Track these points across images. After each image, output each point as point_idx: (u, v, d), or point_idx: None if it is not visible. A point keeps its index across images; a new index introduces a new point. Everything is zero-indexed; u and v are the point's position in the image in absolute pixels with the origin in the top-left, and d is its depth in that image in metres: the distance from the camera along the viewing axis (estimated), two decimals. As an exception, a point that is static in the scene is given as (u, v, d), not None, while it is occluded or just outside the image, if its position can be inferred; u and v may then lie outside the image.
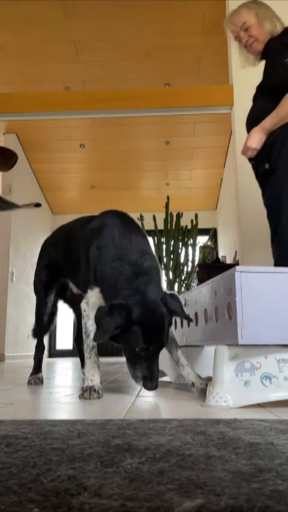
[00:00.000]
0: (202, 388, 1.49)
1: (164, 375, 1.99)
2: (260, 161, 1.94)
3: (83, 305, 1.61)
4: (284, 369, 1.21)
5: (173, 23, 4.52)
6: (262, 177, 1.97)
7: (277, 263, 1.90)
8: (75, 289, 2.06)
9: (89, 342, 1.54)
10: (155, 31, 4.61)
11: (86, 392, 1.42)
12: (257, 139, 1.91)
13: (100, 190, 7.72)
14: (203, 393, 1.46)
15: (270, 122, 1.91)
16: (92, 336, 1.53)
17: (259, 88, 2.10)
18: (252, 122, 1.98)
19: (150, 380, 1.35)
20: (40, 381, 1.96)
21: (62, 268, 1.97)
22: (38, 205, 3.22)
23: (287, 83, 1.88)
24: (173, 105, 4.12)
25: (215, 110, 4.18)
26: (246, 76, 4.05)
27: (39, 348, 2.09)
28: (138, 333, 1.33)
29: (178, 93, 4.17)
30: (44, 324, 2.09)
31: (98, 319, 1.37)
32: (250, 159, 2.00)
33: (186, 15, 4.42)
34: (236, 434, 0.79)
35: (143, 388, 1.71)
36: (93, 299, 1.59)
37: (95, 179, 7.49)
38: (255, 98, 2.12)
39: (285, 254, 1.87)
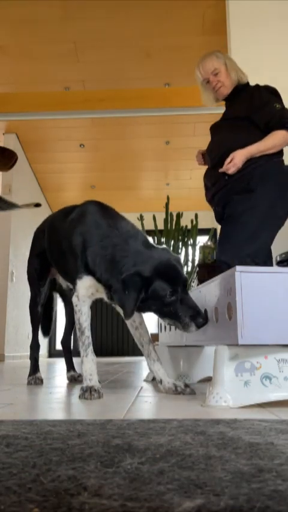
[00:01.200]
0: (169, 387, 1.53)
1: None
2: (238, 180, 2.27)
3: (74, 299, 1.56)
4: (284, 369, 1.21)
5: (173, 23, 4.52)
6: (234, 192, 2.28)
7: (217, 257, 2.23)
8: (64, 284, 2.05)
9: (84, 339, 1.50)
10: (155, 31, 4.61)
11: (87, 393, 1.40)
12: (243, 159, 2.23)
13: (100, 190, 7.72)
14: (170, 391, 1.52)
15: (257, 149, 2.25)
16: (87, 332, 1.50)
17: (234, 119, 2.46)
18: (228, 147, 2.30)
19: (198, 315, 1.37)
20: (40, 381, 1.95)
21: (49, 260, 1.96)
22: (38, 205, 3.21)
23: (273, 122, 2.28)
24: (173, 105, 4.13)
25: (215, 110, 4.18)
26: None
27: (34, 347, 2.05)
28: (159, 283, 1.36)
29: (178, 93, 4.18)
30: (39, 316, 2.05)
31: (119, 300, 1.38)
32: (225, 175, 2.30)
33: (186, 15, 4.42)
34: (236, 434, 0.79)
35: (143, 388, 1.71)
36: (82, 291, 1.54)
37: (95, 179, 7.49)
38: (225, 128, 2.48)
39: (230, 253, 2.15)
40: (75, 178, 7.58)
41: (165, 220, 5.51)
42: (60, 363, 2.31)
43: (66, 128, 6.10)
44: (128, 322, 1.64)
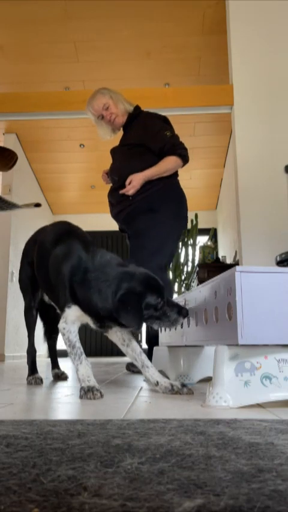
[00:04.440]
0: (165, 386, 1.54)
1: (164, 374, 1.99)
2: (141, 200, 2.56)
3: (61, 325, 1.61)
4: (284, 369, 1.21)
5: (173, 23, 4.52)
6: (138, 211, 2.57)
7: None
8: (46, 298, 2.09)
9: (76, 351, 1.54)
10: (155, 31, 4.61)
11: (89, 393, 1.40)
12: (140, 182, 2.53)
13: (100, 190, 7.70)
14: (166, 391, 1.54)
15: (152, 173, 2.55)
16: (77, 344, 1.55)
17: (130, 145, 2.69)
18: (127, 172, 2.57)
19: (181, 308, 1.57)
20: (40, 381, 1.96)
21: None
22: (38, 205, 3.21)
23: (165, 148, 2.57)
24: (173, 105, 4.12)
25: (215, 109, 4.18)
26: (246, 76, 4.05)
27: (31, 352, 2.09)
28: (150, 295, 1.52)
29: (178, 93, 4.17)
30: (34, 320, 2.08)
31: (124, 319, 1.49)
32: (129, 196, 2.56)
33: (186, 15, 4.42)
34: (236, 434, 0.79)
35: (143, 388, 1.71)
36: (72, 317, 1.61)
37: (95, 179, 7.49)
38: (124, 153, 2.72)
39: (147, 260, 2.43)
40: (75, 178, 7.58)
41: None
42: (60, 363, 2.31)
43: (66, 128, 6.10)
44: (119, 342, 1.71)
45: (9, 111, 4.23)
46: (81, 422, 0.92)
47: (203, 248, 5.58)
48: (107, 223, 4.29)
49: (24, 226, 6.76)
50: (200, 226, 6.09)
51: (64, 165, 7.11)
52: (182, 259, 5.59)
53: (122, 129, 2.86)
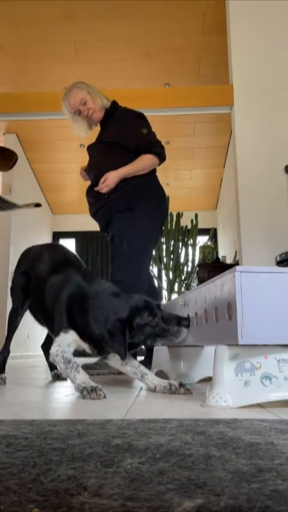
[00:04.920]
0: (164, 386, 1.56)
1: (164, 374, 1.99)
2: (117, 198, 2.53)
3: (54, 348, 1.61)
4: (284, 369, 1.21)
5: (173, 23, 4.52)
6: (115, 210, 2.53)
7: (112, 278, 2.44)
8: None
9: (71, 365, 1.54)
10: (155, 31, 4.61)
11: (93, 393, 1.40)
12: (115, 180, 2.48)
13: (100, 190, 7.71)
14: (165, 390, 1.55)
15: (127, 171, 2.50)
16: (73, 359, 1.56)
17: (106, 143, 2.65)
18: (103, 170, 2.53)
19: (181, 319, 1.59)
20: (3, 382, 1.97)
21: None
22: (38, 205, 3.21)
23: (141, 146, 2.52)
24: (173, 105, 4.12)
25: (215, 110, 4.18)
26: (246, 76, 4.05)
27: (5, 352, 2.15)
28: (139, 316, 1.57)
29: (178, 93, 4.18)
30: (16, 325, 2.14)
31: (112, 348, 1.56)
32: (104, 194, 2.53)
33: (186, 15, 4.42)
34: (236, 434, 0.79)
35: (143, 388, 1.71)
36: (67, 341, 1.63)
37: (95, 179, 7.49)
38: (100, 151, 2.68)
39: (121, 271, 2.43)
40: (75, 178, 7.57)
41: (165, 220, 5.51)
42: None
43: (66, 128, 6.09)
44: (118, 364, 1.72)
45: (9, 111, 4.23)
46: (81, 422, 0.92)
47: (203, 248, 5.58)
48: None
49: (24, 226, 6.76)
50: (200, 226, 6.07)
51: (64, 165, 7.11)
52: (182, 259, 5.56)
53: (99, 125, 2.80)
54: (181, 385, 1.54)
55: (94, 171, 2.63)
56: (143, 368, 1.69)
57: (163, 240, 5.51)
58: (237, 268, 1.21)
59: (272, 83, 4.00)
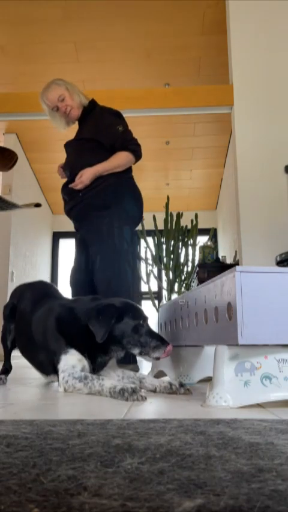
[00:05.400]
0: (165, 386, 1.56)
1: (164, 374, 1.99)
2: (93, 196, 2.52)
3: (60, 376, 1.61)
4: (284, 369, 1.21)
5: (173, 23, 4.52)
6: (91, 208, 2.51)
7: (96, 277, 2.46)
8: None
9: (89, 379, 1.52)
10: (155, 31, 4.61)
11: (135, 394, 1.36)
12: (90, 177, 2.47)
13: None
14: (166, 390, 1.55)
15: (103, 168, 2.49)
16: (88, 374, 1.56)
17: (82, 140, 2.66)
18: (79, 167, 2.53)
19: (164, 341, 1.61)
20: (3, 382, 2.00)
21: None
22: (38, 205, 3.21)
23: (117, 144, 2.53)
24: (173, 105, 4.12)
25: (215, 109, 4.18)
26: (246, 76, 4.05)
27: (6, 365, 2.17)
28: (129, 315, 1.63)
29: (178, 93, 4.17)
30: (8, 350, 2.17)
31: (93, 325, 1.59)
32: (79, 191, 2.52)
33: (186, 15, 4.42)
34: (236, 434, 0.79)
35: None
36: (71, 362, 1.63)
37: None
38: (76, 147, 2.69)
39: (105, 272, 2.43)
40: (75, 178, 7.57)
41: (165, 220, 5.50)
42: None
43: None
44: (116, 379, 1.71)
45: (9, 111, 4.22)
46: (81, 422, 0.92)
47: (203, 248, 5.57)
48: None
49: (24, 226, 6.76)
50: (200, 226, 6.05)
51: (64, 165, 7.10)
52: (182, 259, 5.54)
53: (77, 122, 2.80)
54: (181, 385, 1.53)
55: (70, 167, 2.62)
56: (139, 374, 1.70)
57: (163, 240, 5.51)
58: (237, 268, 1.21)
59: (272, 83, 4.00)
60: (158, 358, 1.64)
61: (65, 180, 2.70)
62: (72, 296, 2.55)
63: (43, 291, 2.07)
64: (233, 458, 0.62)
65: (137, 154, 2.60)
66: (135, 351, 1.64)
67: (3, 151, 2.83)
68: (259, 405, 1.21)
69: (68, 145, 2.78)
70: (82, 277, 2.60)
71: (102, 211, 2.49)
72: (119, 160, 2.53)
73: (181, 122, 5.89)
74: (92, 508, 0.43)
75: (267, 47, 4.06)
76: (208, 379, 1.35)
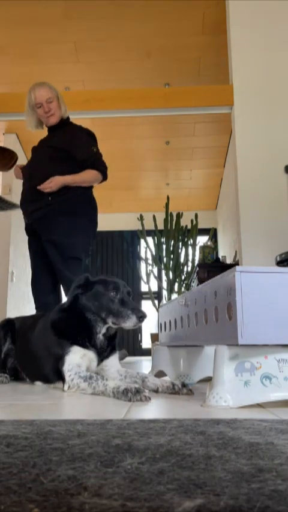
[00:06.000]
0: (167, 386, 1.56)
1: (164, 374, 1.99)
2: (61, 202, 2.72)
3: (66, 376, 1.61)
4: (284, 369, 1.21)
5: (173, 23, 4.52)
6: (59, 213, 2.71)
7: (67, 278, 2.59)
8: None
9: (93, 379, 1.52)
10: (155, 31, 4.61)
11: (139, 394, 1.35)
12: (59, 185, 2.68)
13: (100, 190, 7.68)
14: (168, 390, 1.55)
15: (72, 180, 2.71)
16: (92, 375, 1.56)
17: (54, 148, 2.82)
18: (49, 173, 2.71)
19: (138, 310, 1.64)
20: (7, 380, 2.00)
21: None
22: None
23: (89, 161, 2.75)
24: (173, 105, 4.12)
25: (215, 109, 4.18)
26: (246, 76, 4.05)
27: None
28: (102, 283, 1.72)
29: (178, 93, 4.17)
30: (2, 364, 2.13)
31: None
32: (49, 194, 2.70)
33: (186, 15, 4.42)
34: (236, 434, 0.79)
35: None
36: (76, 360, 1.65)
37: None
38: (47, 154, 2.84)
39: (73, 267, 2.67)
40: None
41: (165, 220, 5.51)
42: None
43: (66, 128, 6.09)
44: (117, 378, 1.72)
45: (9, 111, 4.22)
46: (81, 422, 0.92)
47: (203, 248, 5.57)
48: (107, 223, 4.29)
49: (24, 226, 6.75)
50: (200, 226, 6.06)
51: (64, 165, 7.10)
52: (182, 259, 5.55)
53: (47, 129, 2.96)
54: (184, 385, 1.53)
55: (39, 172, 2.77)
56: (141, 373, 1.70)
57: (163, 240, 5.51)
58: (237, 268, 1.21)
59: (272, 83, 4.00)
60: (134, 327, 1.69)
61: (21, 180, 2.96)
62: (38, 304, 2.81)
63: (37, 317, 2.14)
64: (233, 458, 0.62)
65: (105, 175, 2.82)
66: (109, 321, 1.69)
67: (3, 151, 2.84)
68: (259, 405, 1.21)
69: (36, 151, 2.97)
70: (47, 280, 2.83)
71: (70, 216, 2.71)
72: (89, 176, 2.76)
73: (181, 122, 5.89)
74: (92, 508, 0.43)
75: (267, 47, 4.06)
76: (208, 379, 1.35)
